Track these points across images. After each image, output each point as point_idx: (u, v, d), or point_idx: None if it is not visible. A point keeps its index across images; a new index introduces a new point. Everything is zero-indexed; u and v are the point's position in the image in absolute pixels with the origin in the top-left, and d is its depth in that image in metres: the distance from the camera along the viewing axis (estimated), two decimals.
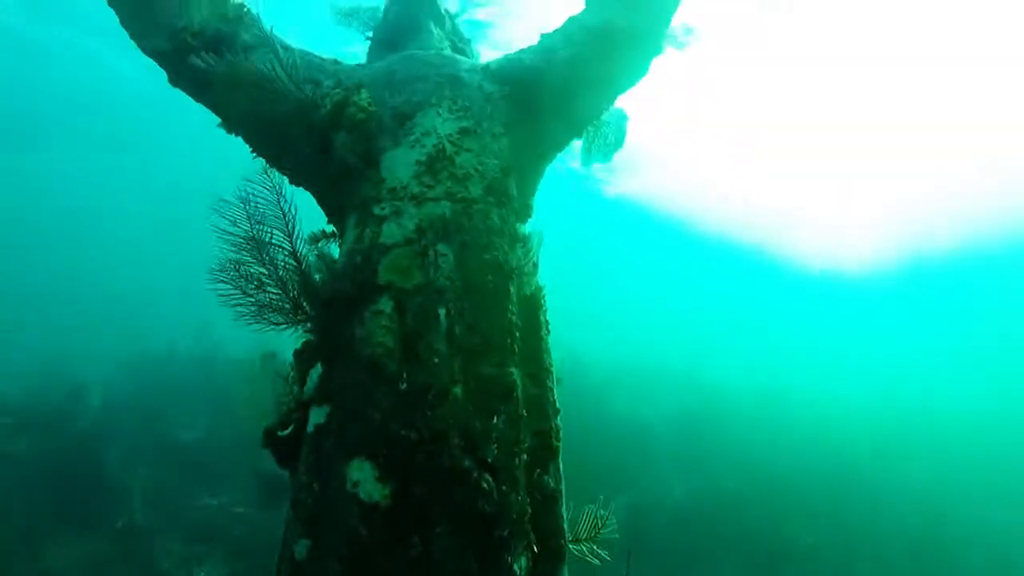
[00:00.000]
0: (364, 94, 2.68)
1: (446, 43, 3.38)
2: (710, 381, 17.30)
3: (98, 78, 21.56)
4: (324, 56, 3.11)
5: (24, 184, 31.46)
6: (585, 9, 3.16)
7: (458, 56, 3.08)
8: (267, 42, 2.98)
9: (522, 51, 3.15)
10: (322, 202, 2.88)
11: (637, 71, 3.09)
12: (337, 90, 2.71)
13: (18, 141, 27.31)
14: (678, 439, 12.89)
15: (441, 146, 2.56)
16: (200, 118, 3.08)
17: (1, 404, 12.32)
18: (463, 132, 2.65)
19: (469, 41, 3.62)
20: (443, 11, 3.41)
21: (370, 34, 3.51)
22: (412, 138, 2.60)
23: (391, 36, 3.37)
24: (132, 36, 2.74)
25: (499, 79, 2.92)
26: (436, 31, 3.33)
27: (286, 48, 2.98)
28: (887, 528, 11.16)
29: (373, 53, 3.44)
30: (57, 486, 11.05)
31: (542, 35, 3.22)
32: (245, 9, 3.02)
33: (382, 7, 3.51)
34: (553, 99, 2.97)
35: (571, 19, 3.16)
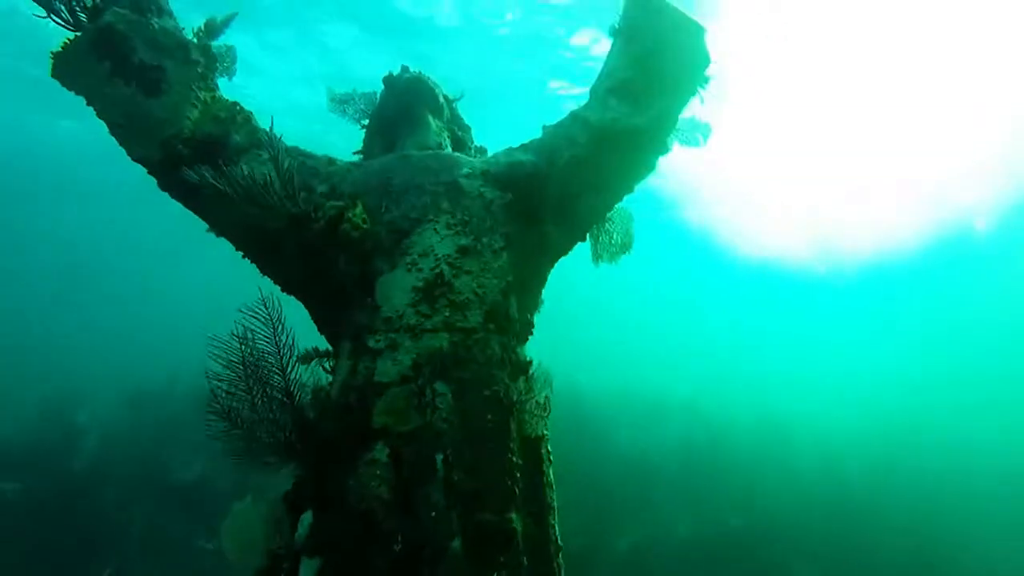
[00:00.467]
0: (359, 209, 2.59)
1: (445, 135, 3.29)
2: (713, 411, 17.04)
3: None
4: (316, 154, 3.02)
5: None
6: (588, 104, 3.08)
7: (456, 156, 2.98)
8: (260, 144, 2.90)
9: (524, 147, 3.06)
10: (314, 315, 2.77)
11: (642, 172, 3.00)
12: (331, 203, 2.61)
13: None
14: (681, 473, 12.70)
15: (439, 270, 2.45)
16: None
17: None
18: (462, 251, 2.54)
19: (469, 128, 3.53)
20: (441, 100, 3.32)
21: (366, 122, 3.42)
22: (409, 259, 2.50)
23: (387, 127, 3.28)
24: (121, 142, 2.64)
25: (500, 184, 2.83)
26: (434, 123, 3.24)
27: (281, 152, 2.90)
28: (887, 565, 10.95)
29: (369, 143, 3.35)
30: (44, 529, 10.87)
31: (544, 129, 3.14)
32: (238, 108, 2.94)
33: (378, 93, 3.42)
34: (556, 203, 2.88)
35: (574, 115, 3.07)
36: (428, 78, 3.25)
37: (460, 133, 3.42)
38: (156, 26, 2.75)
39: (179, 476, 13.22)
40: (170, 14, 2.90)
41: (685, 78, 2.92)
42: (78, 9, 2.67)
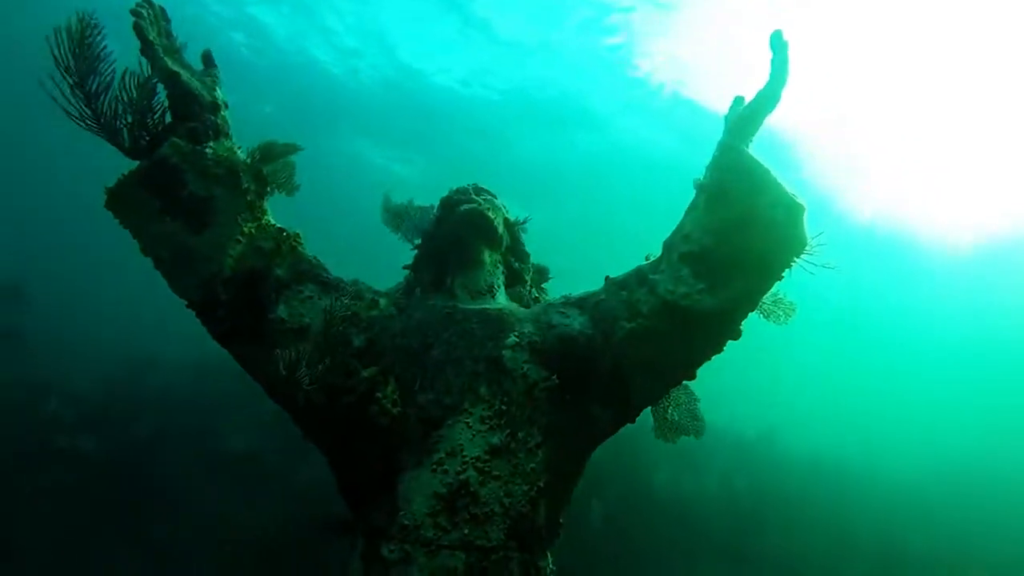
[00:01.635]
0: (391, 388, 2.42)
1: (499, 271, 3.05)
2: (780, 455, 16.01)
3: None
4: (363, 291, 2.87)
5: None
6: (658, 264, 2.78)
7: (505, 315, 2.74)
8: (304, 276, 2.78)
9: (580, 304, 2.81)
10: (337, 473, 2.65)
11: (708, 355, 2.68)
12: (365, 375, 2.45)
13: None
14: (727, 529, 12.19)
15: (465, 477, 2.27)
16: None
17: (74, 397, 13.12)
18: (493, 452, 2.34)
19: (528, 256, 3.28)
20: (500, 231, 3.06)
21: (418, 241, 3.23)
22: (436, 457, 2.32)
23: (438, 254, 3.08)
24: (165, 279, 2.57)
25: (546, 360, 2.59)
26: (489, 258, 3.00)
27: (324, 288, 2.77)
28: None
29: (418, 265, 3.16)
30: (111, 488, 11.68)
31: (607, 282, 2.87)
32: (284, 235, 2.82)
33: (435, 208, 3.22)
34: (606, 381, 2.62)
35: (640, 274, 2.79)
36: (488, 209, 3.00)
37: (517, 264, 3.18)
38: (210, 153, 2.64)
39: (230, 446, 13.90)
40: (227, 135, 2.79)
41: (775, 262, 2.55)
42: (140, 137, 2.59)
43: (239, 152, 2.79)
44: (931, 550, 12.86)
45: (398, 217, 3.30)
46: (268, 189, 2.84)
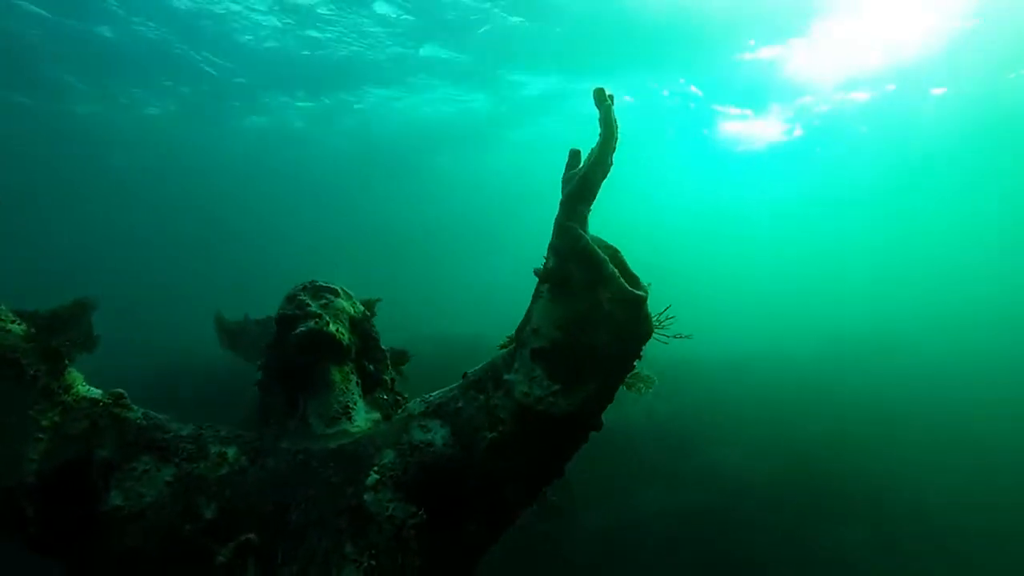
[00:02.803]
0: (251, 573, 2.26)
1: (352, 384, 2.86)
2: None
3: None
4: (205, 432, 2.63)
5: None
6: (510, 359, 2.70)
7: (361, 449, 2.60)
8: (135, 445, 2.51)
9: (440, 412, 2.71)
10: None
11: (575, 449, 2.67)
12: (221, 560, 2.27)
13: None
14: (656, 452, 13.05)
15: None
16: None
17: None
18: None
19: (383, 352, 3.08)
20: (346, 344, 2.85)
21: (261, 362, 2.96)
22: None
23: (287, 374, 2.86)
24: None
25: (413, 492, 2.50)
26: (338, 376, 2.81)
27: (163, 454, 2.51)
28: None
29: (267, 386, 2.92)
30: None
31: (464, 379, 2.77)
32: (100, 407, 2.51)
33: (273, 320, 2.94)
34: (476, 495, 2.57)
35: (495, 373, 2.70)
36: (328, 323, 2.78)
37: (372, 368, 3.00)
38: None
39: None
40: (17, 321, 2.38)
41: (624, 357, 2.53)
42: None
43: (15, 327, 2.40)
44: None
45: (234, 336, 3.02)
46: (66, 361, 2.48)
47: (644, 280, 2.58)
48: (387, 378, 3.04)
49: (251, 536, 2.35)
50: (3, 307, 2.43)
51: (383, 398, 2.95)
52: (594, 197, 2.69)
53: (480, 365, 2.87)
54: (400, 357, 3.27)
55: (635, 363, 2.58)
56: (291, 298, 2.89)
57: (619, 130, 2.63)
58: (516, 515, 2.68)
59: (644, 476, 13.32)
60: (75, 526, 2.32)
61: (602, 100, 2.57)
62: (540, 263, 2.68)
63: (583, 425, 2.58)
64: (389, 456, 2.59)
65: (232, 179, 31.36)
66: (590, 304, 2.52)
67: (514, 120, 23.98)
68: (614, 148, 2.62)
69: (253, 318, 3.03)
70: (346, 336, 2.84)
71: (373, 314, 3.10)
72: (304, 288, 2.95)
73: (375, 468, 2.53)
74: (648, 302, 2.51)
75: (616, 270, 2.55)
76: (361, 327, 3.01)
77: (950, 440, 14.44)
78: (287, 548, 2.34)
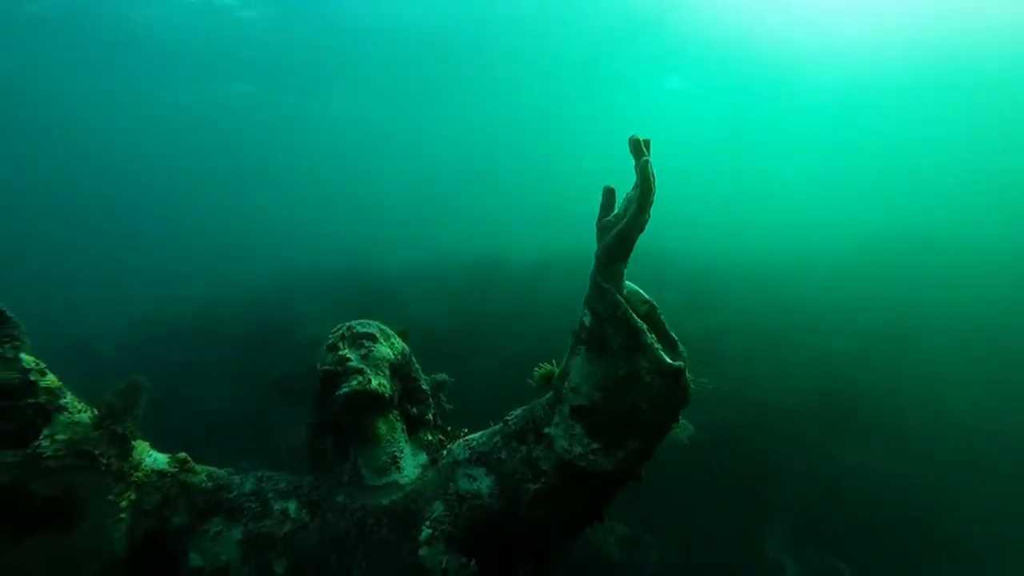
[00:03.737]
0: None
1: (398, 432, 2.99)
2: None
3: None
4: (266, 487, 2.84)
5: None
6: (550, 409, 2.78)
7: (412, 502, 2.77)
8: (204, 513, 2.73)
9: (484, 462, 2.85)
10: None
11: (611, 497, 2.80)
12: None
13: None
14: None
15: None
16: None
17: None
18: None
19: (425, 393, 3.18)
20: (388, 395, 2.93)
21: (311, 415, 3.09)
22: None
23: (336, 425, 3.00)
24: None
25: (463, 544, 2.69)
26: (384, 427, 2.94)
27: (230, 515, 2.73)
28: None
29: (317, 434, 3.08)
30: None
31: (505, 432, 2.89)
32: (167, 479, 2.71)
33: (318, 376, 3.03)
34: (523, 540, 2.76)
35: (536, 425, 2.80)
36: (370, 380, 2.86)
37: (415, 410, 3.11)
38: (47, 448, 2.41)
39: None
40: (58, 407, 2.51)
41: (663, 424, 2.59)
42: None
43: (83, 416, 2.54)
44: None
45: (283, 391, 3.13)
46: (132, 441, 2.64)
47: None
48: (429, 416, 3.15)
49: None
50: (70, 396, 2.55)
51: (428, 439, 3.08)
52: (630, 253, 2.63)
53: (518, 412, 2.97)
54: (440, 386, 3.37)
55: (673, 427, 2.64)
56: (332, 348, 2.96)
57: (656, 183, 2.51)
58: (559, 555, 2.88)
59: None
60: None
61: (639, 152, 2.44)
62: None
63: (623, 479, 2.69)
64: (439, 509, 2.76)
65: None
66: (629, 370, 2.54)
67: None
68: (651, 203, 2.51)
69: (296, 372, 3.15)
70: (388, 388, 2.93)
71: (407, 354, 3.17)
72: (343, 337, 3.01)
73: (427, 523, 2.71)
74: (686, 369, 2.53)
75: (654, 337, 2.55)
76: (401, 371, 3.08)
77: (977, 355, 14.41)
78: None
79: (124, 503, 2.54)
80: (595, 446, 2.63)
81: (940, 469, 12.90)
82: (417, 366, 3.22)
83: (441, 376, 3.47)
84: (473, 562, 2.67)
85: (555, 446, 2.69)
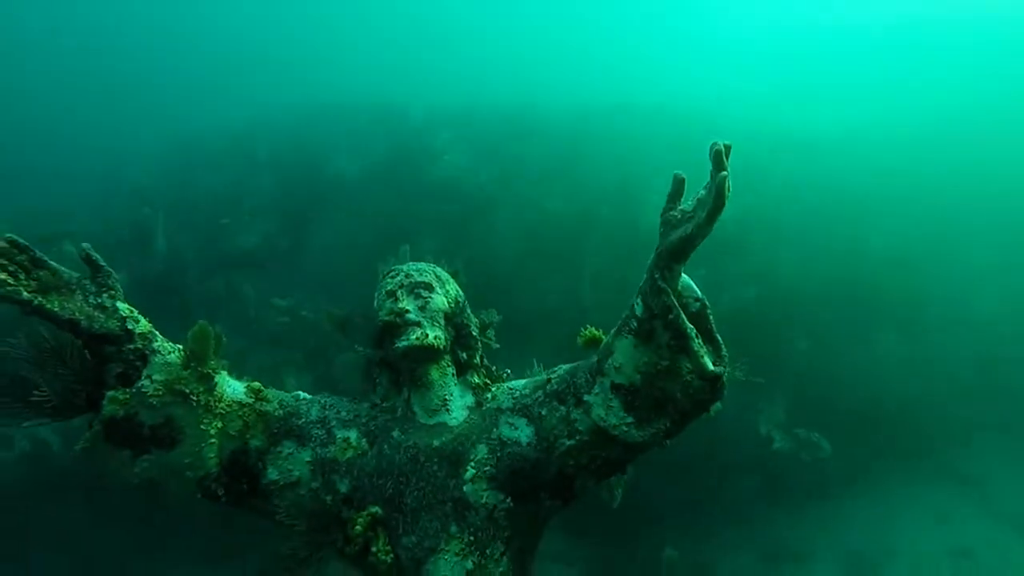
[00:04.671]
0: (382, 541, 3.02)
1: (449, 376, 3.27)
2: None
3: None
4: (329, 415, 3.23)
5: None
6: (591, 379, 3.04)
7: (459, 443, 3.13)
8: (276, 436, 3.14)
9: (525, 413, 3.17)
10: None
11: (635, 457, 3.13)
12: (358, 530, 3.02)
13: None
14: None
15: None
16: None
17: None
18: (469, 574, 3.05)
19: (476, 340, 3.40)
20: (442, 345, 3.18)
21: (367, 351, 3.35)
22: None
23: (392, 365, 3.30)
24: (168, 494, 2.97)
25: (502, 484, 3.09)
26: (436, 374, 3.22)
27: (300, 440, 3.15)
28: None
29: (371, 370, 3.38)
30: None
31: (548, 387, 3.17)
32: (245, 408, 3.09)
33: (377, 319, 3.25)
34: (553, 483, 3.17)
35: (577, 392, 3.08)
36: (427, 335, 3.08)
37: (464, 355, 3.35)
38: (148, 388, 2.75)
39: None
40: (152, 349, 2.80)
41: (693, 415, 2.82)
42: (75, 397, 2.67)
43: (173, 357, 2.84)
44: None
45: (342, 327, 3.36)
46: (215, 377, 2.95)
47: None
48: (477, 360, 3.41)
49: (378, 510, 3.06)
50: (160, 338, 2.83)
51: (474, 381, 3.37)
52: (689, 256, 2.65)
53: (561, 372, 3.22)
54: (487, 326, 3.60)
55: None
56: (391, 295, 3.16)
57: (731, 194, 2.45)
58: (582, 494, 3.30)
59: (694, 278, 13.91)
60: (250, 494, 3.07)
61: (720, 164, 2.37)
62: None
63: (650, 448, 2.99)
64: (483, 452, 3.13)
65: None
66: (672, 364, 2.72)
67: None
68: (722, 211, 2.49)
69: (357, 312, 3.35)
70: (442, 340, 3.16)
71: (461, 302, 3.35)
72: (401, 286, 3.18)
73: (471, 463, 3.10)
74: (726, 373, 2.68)
75: (700, 342, 2.67)
76: (455, 320, 3.29)
77: (1015, 262, 14.09)
78: (405, 523, 3.06)
79: (212, 430, 2.93)
80: (629, 420, 2.90)
81: (950, 368, 13.36)
82: (469, 312, 3.42)
83: (490, 314, 3.68)
84: (509, 498, 3.10)
85: (592, 413, 2.97)
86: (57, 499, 10.54)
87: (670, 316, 2.64)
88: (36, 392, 2.56)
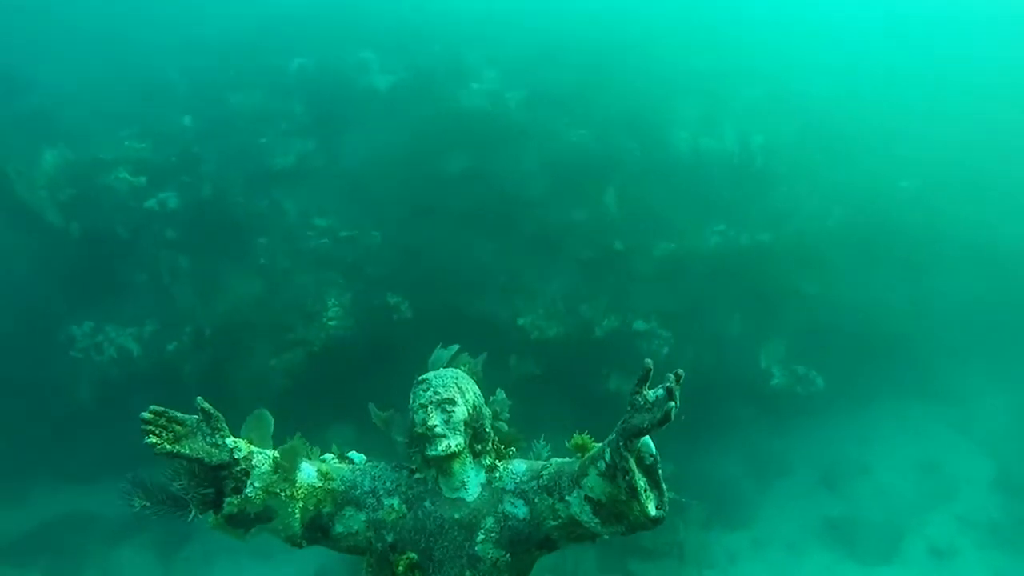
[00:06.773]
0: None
1: (467, 462, 4.33)
2: None
3: None
4: (378, 486, 4.39)
5: None
6: (569, 487, 4.06)
7: (474, 516, 4.25)
8: (340, 504, 4.33)
9: (523, 496, 4.25)
10: None
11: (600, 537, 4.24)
12: (401, 570, 4.29)
13: None
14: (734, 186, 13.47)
15: None
16: None
17: None
18: None
19: (488, 435, 4.38)
20: (462, 449, 4.21)
21: (402, 440, 4.38)
22: None
23: (419, 455, 4.36)
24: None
25: (504, 545, 4.26)
26: (457, 466, 4.27)
27: (357, 506, 4.34)
28: None
29: (408, 453, 4.45)
30: None
31: (543, 481, 4.23)
32: (316, 489, 4.22)
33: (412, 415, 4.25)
34: (540, 544, 4.35)
35: (561, 492, 4.11)
36: (450, 446, 4.09)
37: (479, 447, 4.36)
38: (251, 493, 3.90)
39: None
40: (252, 465, 3.89)
41: (642, 530, 3.85)
42: (206, 502, 3.83)
43: (265, 467, 3.94)
44: None
45: (386, 423, 4.38)
46: (296, 472, 4.07)
47: None
48: (489, 447, 4.44)
49: (415, 556, 4.30)
50: (256, 452, 3.91)
51: (487, 463, 4.42)
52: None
53: (551, 469, 4.24)
54: (497, 414, 4.58)
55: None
56: (423, 407, 4.14)
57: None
58: (563, 547, 4.48)
59: (716, 212, 14.14)
60: (323, 539, 4.33)
61: (671, 395, 3.18)
62: None
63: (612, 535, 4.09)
64: (490, 522, 4.26)
65: None
66: (627, 501, 3.71)
67: None
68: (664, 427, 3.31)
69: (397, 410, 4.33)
70: (463, 444, 4.17)
71: (479, 407, 4.31)
72: (431, 401, 4.14)
73: (482, 530, 4.25)
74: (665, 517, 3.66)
75: (648, 492, 3.63)
76: (472, 424, 4.28)
77: None
78: (433, 568, 4.30)
79: (296, 510, 4.10)
80: (596, 520, 3.97)
81: (951, 303, 13.87)
82: (484, 410, 4.38)
83: (499, 400, 4.63)
84: (508, 554, 4.29)
85: (571, 508, 4.04)
86: None
87: (627, 476, 3.57)
88: (182, 500, 3.73)
